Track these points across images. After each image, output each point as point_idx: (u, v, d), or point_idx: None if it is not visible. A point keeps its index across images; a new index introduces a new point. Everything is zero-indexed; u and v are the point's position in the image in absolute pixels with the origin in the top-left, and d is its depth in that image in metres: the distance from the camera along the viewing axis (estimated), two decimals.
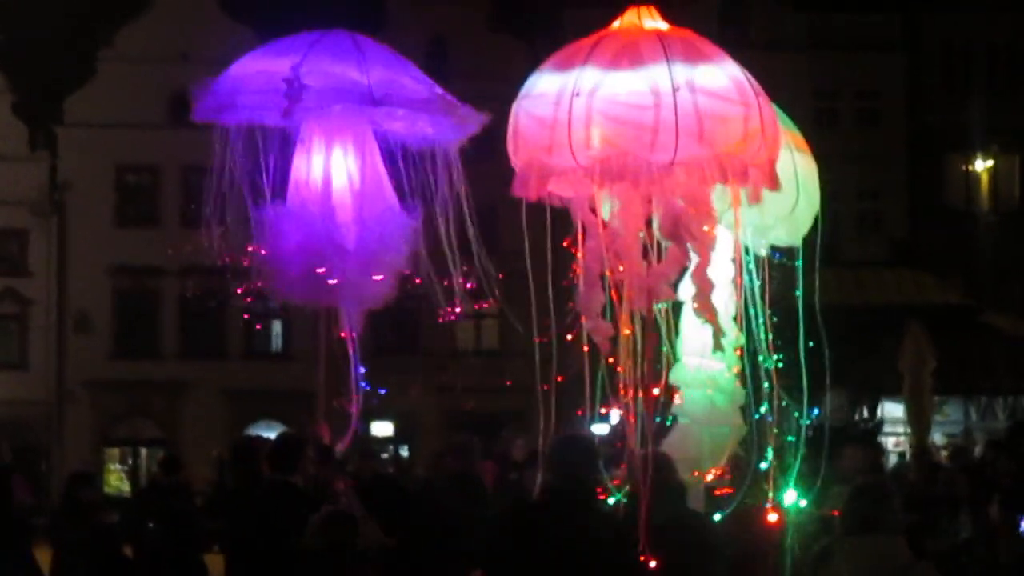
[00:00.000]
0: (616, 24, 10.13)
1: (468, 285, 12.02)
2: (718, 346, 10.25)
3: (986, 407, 30.07)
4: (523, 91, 9.80)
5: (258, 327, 46.70)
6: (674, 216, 9.65)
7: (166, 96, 44.20)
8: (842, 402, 16.73)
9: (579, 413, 10.00)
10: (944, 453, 20.62)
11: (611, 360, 9.75)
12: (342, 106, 11.73)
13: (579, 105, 9.36)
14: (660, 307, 10.05)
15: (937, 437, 27.10)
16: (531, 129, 9.65)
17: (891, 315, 28.58)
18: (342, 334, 12.11)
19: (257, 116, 11.88)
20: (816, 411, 11.47)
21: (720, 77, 9.55)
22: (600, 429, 10.45)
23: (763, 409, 10.77)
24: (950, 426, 31.16)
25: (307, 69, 11.68)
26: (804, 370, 10.92)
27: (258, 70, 11.86)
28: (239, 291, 12.43)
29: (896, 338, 21.80)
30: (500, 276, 11.86)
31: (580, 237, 9.86)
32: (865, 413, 27.63)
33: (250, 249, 12.06)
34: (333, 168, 12.02)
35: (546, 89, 9.62)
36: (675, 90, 9.29)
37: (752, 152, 9.56)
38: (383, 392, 12.53)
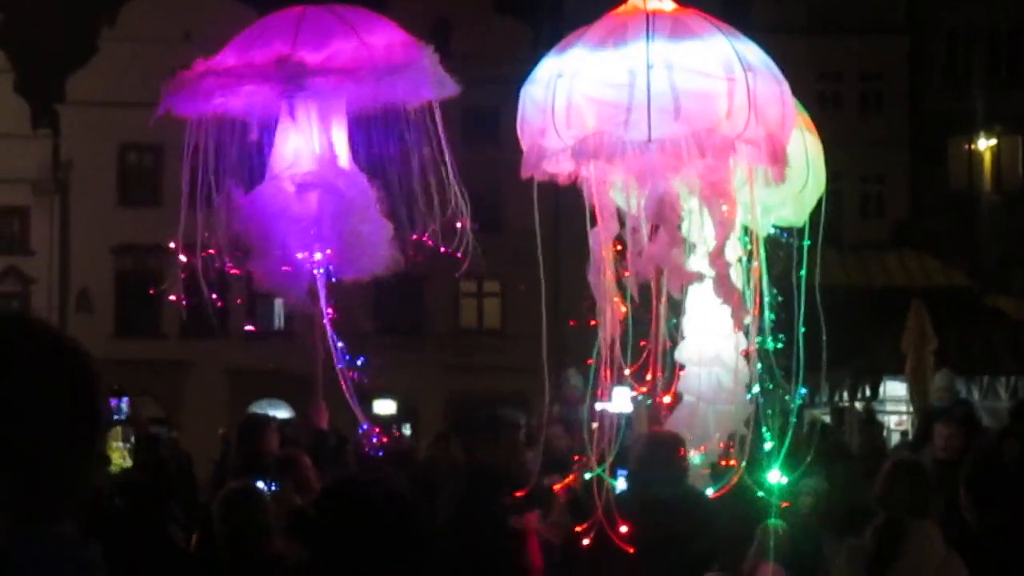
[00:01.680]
0: (624, 6, 10.14)
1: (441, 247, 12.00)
2: (739, 326, 10.30)
3: (988, 386, 30.00)
4: (530, 76, 9.94)
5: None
6: (658, 197, 9.67)
7: (169, 75, 44.05)
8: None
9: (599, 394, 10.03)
10: None
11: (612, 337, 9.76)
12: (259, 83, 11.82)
13: (562, 86, 9.51)
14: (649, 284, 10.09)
15: None
16: (530, 112, 9.83)
17: (894, 297, 28.59)
18: (329, 312, 12.13)
19: (223, 104, 11.99)
20: (803, 391, 11.47)
21: (703, 53, 9.55)
22: (606, 406, 10.47)
23: (758, 390, 10.80)
24: None
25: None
26: (802, 349, 10.92)
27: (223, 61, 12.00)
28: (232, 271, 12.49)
29: (900, 319, 21.83)
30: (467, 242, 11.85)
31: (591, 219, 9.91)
32: (867, 391, 27.63)
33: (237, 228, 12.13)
34: (303, 144, 12.07)
35: (543, 72, 9.78)
36: (649, 68, 9.33)
37: (739, 128, 9.51)
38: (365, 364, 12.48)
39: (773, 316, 10.83)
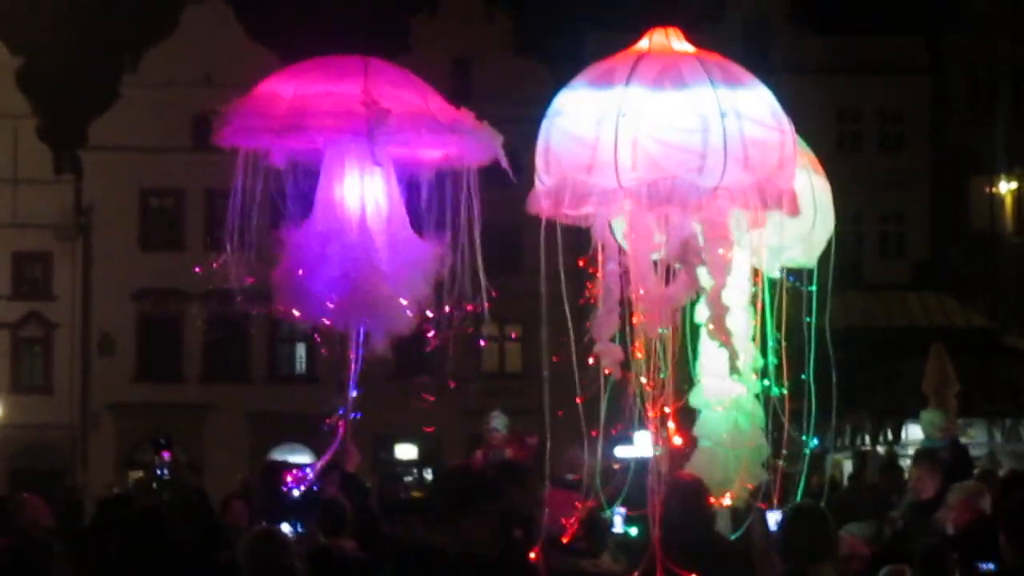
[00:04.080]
0: (644, 43, 10.09)
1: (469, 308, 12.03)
2: (734, 368, 10.23)
3: (1010, 429, 29.86)
4: (555, 108, 9.71)
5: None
6: (683, 240, 9.62)
7: (190, 119, 44.39)
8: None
9: (593, 434, 9.98)
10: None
11: (627, 376, 9.72)
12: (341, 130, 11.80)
13: (625, 126, 9.30)
14: (666, 331, 10.01)
15: None
16: (568, 147, 9.53)
17: (915, 337, 28.52)
18: (352, 355, 12.15)
19: (283, 142, 11.94)
20: (816, 441, 11.43)
21: (759, 103, 9.57)
22: (621, 451, 10.46)
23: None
24: (975, 448, 31.00)
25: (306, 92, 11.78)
26: (812, 394, 10.89)
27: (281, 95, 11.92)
28: (259, 311, 12.50)
29: (920, 360, 21.74)
30: (494, 294, 11.87)
31: (599, 258, 9.84)
32: (889, 435, 27.54)
33: (274, 271, 12.11)
34: (360, 192, 12.06)
35: (584, 107, 9.52)
36: (723, 116, 9.29)
37: (787, 178, 9.58)
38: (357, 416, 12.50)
39: (776, 361, 10.79)
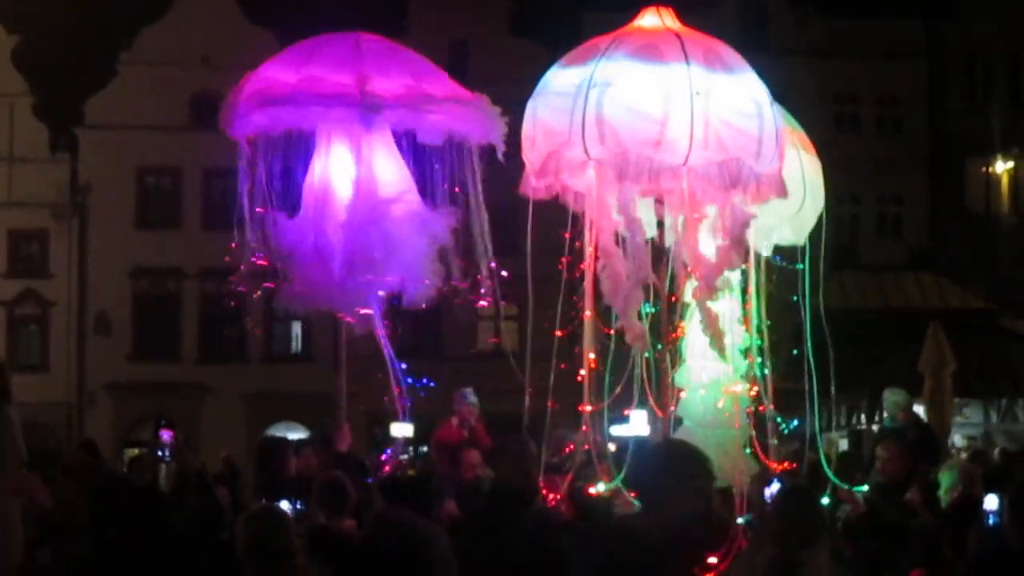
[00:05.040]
0: (659, 21, 10.14)
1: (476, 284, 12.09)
2: (721, 351, 10.29)
3: (1006, 409, 29.96)
4: (602, 78, 9.68)
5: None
6: (742, 220, 9.75)
7: (187, 98, 44.39)
8: (903, 400, 16.11)
9: (585, 410, 10.03)
10: (964, 455, 20.59)
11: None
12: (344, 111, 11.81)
13: (699, 105, 9.42)
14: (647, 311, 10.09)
15: (957, 439, 27.08)
16: (630, 121, 9.58)
17: (912, 319, 28.53)
18: (378, 332, 12.21)
19: (285, 124, 11.97)
20: (796, 423, 11.47)
21: (739, 90, 9.63)
22: (617, 430, 10.47)
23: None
24: (970, 428, 31.12)
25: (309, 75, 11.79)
26: (810, 373, 10.92)
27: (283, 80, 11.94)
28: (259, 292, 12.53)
29: (917, 342, 21.78)
30: (504, 274, 11.92)
31: (623, 232, 9.88)
32: (885, 414, 27.63)
33: (272, 254, 12.14)
34: (351, 170, 12.08)
35: (645, 81, 9.60)
36: (772, 104, 9.42)
37: (765, 160, 9.64)
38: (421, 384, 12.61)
39: (765, 342, 10.83)
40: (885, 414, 16.52)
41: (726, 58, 9.78)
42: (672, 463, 6.83)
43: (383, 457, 12.87)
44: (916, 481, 11.67)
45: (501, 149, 11.90)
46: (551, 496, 9.83)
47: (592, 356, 9.96)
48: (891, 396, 15.78)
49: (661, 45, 9.75)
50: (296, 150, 12.24)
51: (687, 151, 9.40)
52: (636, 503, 8.62)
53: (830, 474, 11.36)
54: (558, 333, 10.05)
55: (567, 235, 10.05)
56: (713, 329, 9.94)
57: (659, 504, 6.61)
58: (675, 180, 9.67)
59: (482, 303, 12.18)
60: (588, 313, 9.99)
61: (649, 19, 10.19)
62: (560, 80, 9.80)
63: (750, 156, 9.51)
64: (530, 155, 9.92)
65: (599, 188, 9.77)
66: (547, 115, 9.71)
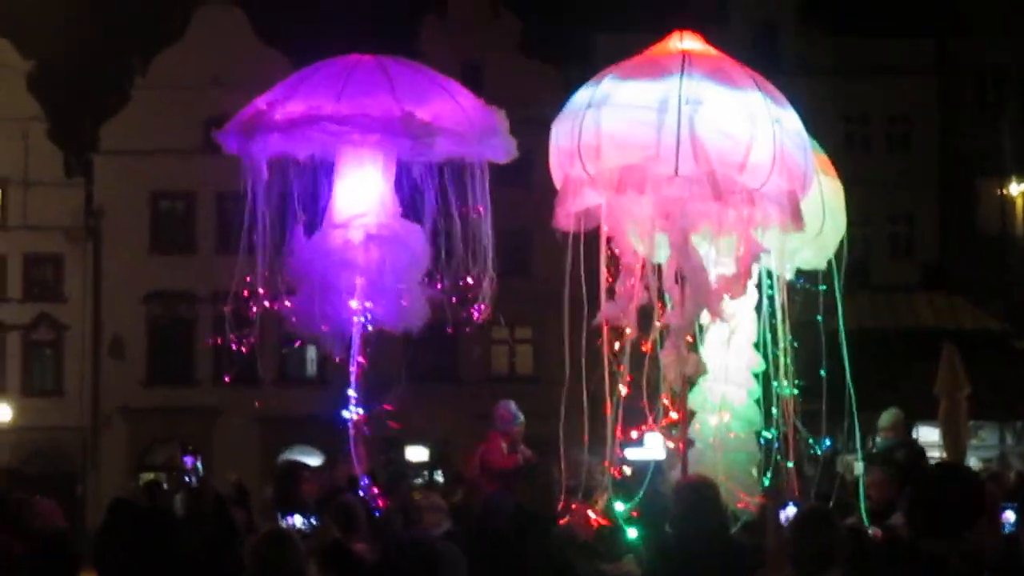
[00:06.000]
0: (691, 45, 10.16)
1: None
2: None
3: (1022, 431, 29.86)
4: (692, 95, 9.67)
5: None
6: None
7: (200, 122, 44.44)
8: (893, 421, 15.96)
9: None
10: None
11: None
12: (380, 136, 11.78)
13: (778, 131, 9.51)
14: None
15: (972, 461, 26.98)
16: (720, 143, 9.59)
17: (925, 339, 28.45)
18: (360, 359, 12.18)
19: (308, 150, 11.97)
20: (828, 442, 11.44)
21: (796, 123, 9.70)
22: (631, 453, 10.46)
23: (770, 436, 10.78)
24: (986, 451, 31.03)
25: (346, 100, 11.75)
26: (825, 393, 10.90)
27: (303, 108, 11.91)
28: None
29: (931, 363, 21.68)
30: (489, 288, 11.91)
31: (676, 258, 9.88)
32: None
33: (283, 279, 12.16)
34: (357, 193, 12.08)
35: (731, 105, 9.66)
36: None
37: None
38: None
39: (785, 363, 10.79)
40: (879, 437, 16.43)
41: (774, 90, 9.86)
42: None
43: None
44: (900, 505, 11.58)
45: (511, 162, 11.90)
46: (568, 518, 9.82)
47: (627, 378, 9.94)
48: (882, 415, 15.70)
49: (729, 70, 9.78)
50: (310, 172, 12.24)
51: (767, 177, 9.40)
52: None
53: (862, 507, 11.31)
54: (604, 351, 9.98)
55: (607, 252, 10.01)
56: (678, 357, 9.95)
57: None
58: (749, 205, 9.65)
59: (476, 315, 12.16)
60: (629, 331, 9.95)
61: (689, 42, 10.17)
62: (631, 93, 9.67)
63: (800, 187, 9.55)
64: (590, 165, 9.78)
65: (684, 205, 9.70)
66: (621, 128, 9.56)
